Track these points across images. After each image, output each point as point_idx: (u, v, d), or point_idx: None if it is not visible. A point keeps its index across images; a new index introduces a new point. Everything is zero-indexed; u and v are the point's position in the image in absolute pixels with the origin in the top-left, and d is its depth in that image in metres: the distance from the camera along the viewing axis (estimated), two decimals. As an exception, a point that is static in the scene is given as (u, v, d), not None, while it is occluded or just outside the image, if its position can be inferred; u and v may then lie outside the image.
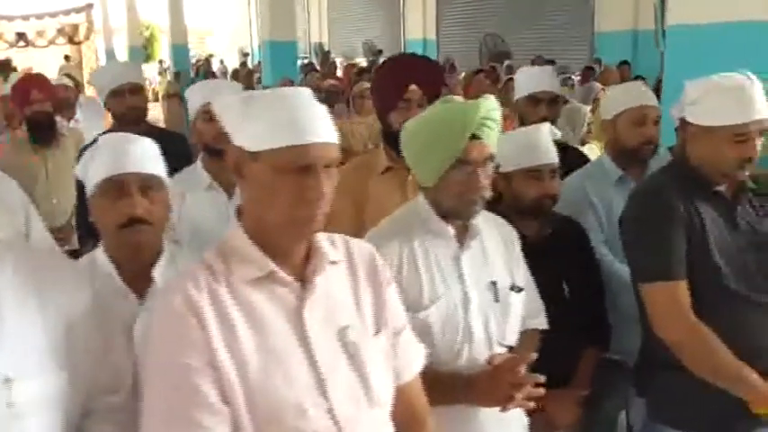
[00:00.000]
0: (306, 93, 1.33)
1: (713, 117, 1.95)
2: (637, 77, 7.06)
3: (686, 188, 2.01)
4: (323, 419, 1.28)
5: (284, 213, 1.27)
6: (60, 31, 23.18)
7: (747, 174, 2.00)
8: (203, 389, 1.21)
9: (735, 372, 1.91)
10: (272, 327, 1.29)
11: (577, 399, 2.17)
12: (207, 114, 2.48)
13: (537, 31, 13.36)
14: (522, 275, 1.95)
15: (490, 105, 1.73)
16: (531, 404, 1.66)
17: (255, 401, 1.24)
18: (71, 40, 23.22)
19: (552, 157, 2.18)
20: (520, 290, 1.89)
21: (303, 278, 1.34)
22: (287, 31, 8.23)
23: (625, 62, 9.25)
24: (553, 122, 2.94)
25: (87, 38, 23.41)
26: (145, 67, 19.64)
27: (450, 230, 1.81)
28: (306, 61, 13.06)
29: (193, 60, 17.53)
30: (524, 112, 2.92)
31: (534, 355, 1.69)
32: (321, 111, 1.31)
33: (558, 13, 13.07)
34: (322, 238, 1.40)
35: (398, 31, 16.92)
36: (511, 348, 1.87)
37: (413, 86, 2.36)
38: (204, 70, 12.23)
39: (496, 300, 1.84)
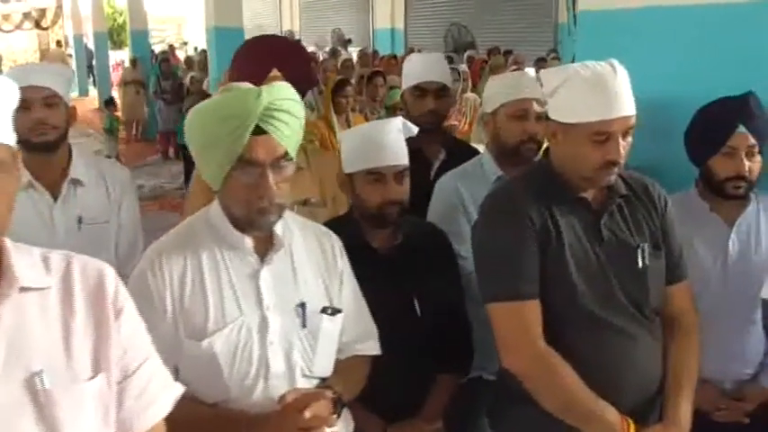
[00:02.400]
0: None
1: (570, 113, 1.68)
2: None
3: (545, 194, 1.74)
4: None
5: None
6: (27, 16, 22.74)
7: (614, 177, 1.72)
8: None
9: (588, 408, 1.66)
10: None
11: None
12: (24, 102, 2.17)
13: (503, 22, 13.12)
14: (347, 295, 1.69)
15: (280, 93, 1.45)
16: None
17: None
18: (38, 25, 22.78)
19: (398, 157, 1.90)
20: (335, 312, 1.61)
21: None
22: (233, 17, 7.88)
23: (553, 50, 8.92)
24: (444, 116, 2.69)
25: (55, 23, 23.00)
26: (116, 54, 19.39)
27: (248, 242, 1.54)
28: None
29: (158, 48, 17.12)
30: (410, 105, 2.65)
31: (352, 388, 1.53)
32: None
33: (524, 2, 12.81)
34: (33, 258, 1.12)
35: (367, 20, 16.63)
36: (324, 380, 1.60)
37: (274, 71, 2.09)
38: (161, 59, 11.83)
39: (304, 325, 1.56)
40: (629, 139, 1.69)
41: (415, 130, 1.98)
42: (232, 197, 1.49)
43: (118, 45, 22.13)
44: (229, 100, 1.44)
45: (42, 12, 22.25)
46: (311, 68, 2.31)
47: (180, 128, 8.16)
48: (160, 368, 1.25)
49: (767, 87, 2.16)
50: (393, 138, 1.89)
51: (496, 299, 1.70)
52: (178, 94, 10.48)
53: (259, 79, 2.07)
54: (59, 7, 22.20)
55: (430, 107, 2.57)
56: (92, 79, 19.80)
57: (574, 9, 3.34)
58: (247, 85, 1.50)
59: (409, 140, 2.62)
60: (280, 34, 19.63)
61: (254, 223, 1.49)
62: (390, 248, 1.95)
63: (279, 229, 1.57)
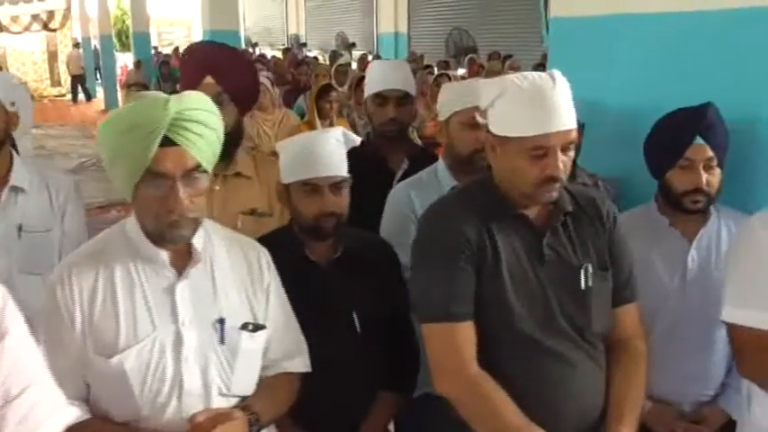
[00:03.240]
0: None
1: (507, 126, 1.61)
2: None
3: (484, 210, 1.66)
4: None
5: None
6: (35, 18, 22.77)
7: (555, 194, 1.65)
8: None
9: None
10: None
11: None
12: None
13: (505, 27, 13.04)
14: (274, 310, 1.63)
15: (191, 102, 1.39)
16: None
17: None
18: (46, 27, 22.81)
19: (335, 168, 1.83)
20: (258, 328, 1.55)
21: None
22: (229, 20, 7.86)
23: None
24: (407, 125, 2.63)
25: (63, 25, 23.05)
26: (125, 56, 19.41)
27: (164, 255, 1.48)
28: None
29: (167, 51, 17.15)
30: (371, 113, 2.59)
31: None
32: None
33: (527, 7, 12.72)
34: None
35: (371, 24, 16.60)
36: (244, 399, 1.54)
37: (207, 78, 2.03)
38: (161, 62, 11.84)
39: (222, 341, 1.50)
40: (571, 153, 1.62)
41: (357, 140, 1.91)
42: (143, 210, 1.43)
43: (127, 47, 22.18)
44: (137, 109, 1.38)
45: (51, 14, 22.28)
46: (255, 81, 2.24)
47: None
48: (49, 392, 1.19)
49: (739, 95, 2.10)
50: (330, 148, 1.82)
51: (429, 319, 1.63)
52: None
53: (192, 87, 2.01)
54: (68, 9, 22.28)
55: (391, 115, 2.51)
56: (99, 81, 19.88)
57: (546, 15, 3.26)
58: (159, 94, 1.44)
59: (372, 150, 2.59)
60: (286, 38, 19.60)
61: (166, 237, 1.43)
62: (329, 262, 1.88)
63: (198, 241, 1.51)
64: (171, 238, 1.43)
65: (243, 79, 2.10)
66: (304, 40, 19.05)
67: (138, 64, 13.03)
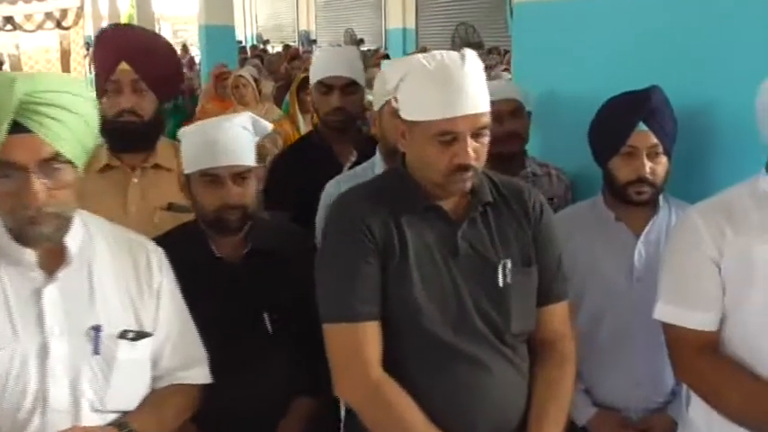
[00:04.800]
0: None
1: (413, 110, 1.48)
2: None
3: (395, 202, 1.53)
4: None
5: None
6: (48, 16, 22.87)
7: (469, 183, 1.51)
8: None
9: None
10: None
11: None
12: None
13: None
14: (166, 316, 1.49)
15: (45, 83, 1.26)
16: None
17: None
18: (59, 25, 22.91)
19: (237, 157, 1.70)
20: (141, 336, 1.43)
21: None
22: (224, 16, 7.78)
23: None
24: (354, 115, 2.50)
25: (76, 23, 23.16)
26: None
27: (30, 256, 1.34)
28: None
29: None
30: (316, 102, 2.46)
31: None
32: None
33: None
34: None
35: (380, 20, 16.47)
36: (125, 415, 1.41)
37: (123, 64, 1.92)
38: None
39: (96, 351, 1.37)
40: (484, 139, 1.49)
41: (269, 128, 1.79)
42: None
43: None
44: None
45: (64, 12, 22.35)
46: (176, 68, 2.12)
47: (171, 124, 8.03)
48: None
49: (697, 81, 1.95)
50: (233, 135, 1.69)
51: (329, 319, 1.50)
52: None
53: (107, 73, 1.91)
54: (81, 8, 22.35)
55: (336, 104, 2.38)
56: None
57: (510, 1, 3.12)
58: (7, 73, 1.32)
59: (319, 141, 2.47)
60: (297, 34, 19.51)
61: (25, 235, 1.30)
62: (238, 258, 1.76)
63: (74, 240, 1.38)
64: (30, 237, 1.30)
65: (162, 66, 1.98)
66: (314, 37, 18.95)
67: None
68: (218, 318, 1.67)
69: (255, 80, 5.75)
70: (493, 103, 2.24)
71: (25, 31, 21.90)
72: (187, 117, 5.83)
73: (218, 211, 1.69)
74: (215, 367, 1.59)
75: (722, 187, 1.65)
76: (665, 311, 1.60)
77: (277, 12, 22.45)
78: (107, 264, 1.43)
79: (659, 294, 1.62)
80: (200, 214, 1.73)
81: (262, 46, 16.96)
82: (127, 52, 1.92)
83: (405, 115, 1.50)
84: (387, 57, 9.08)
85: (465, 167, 1.45)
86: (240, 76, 5.34)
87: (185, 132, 1.74)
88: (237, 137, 1.70)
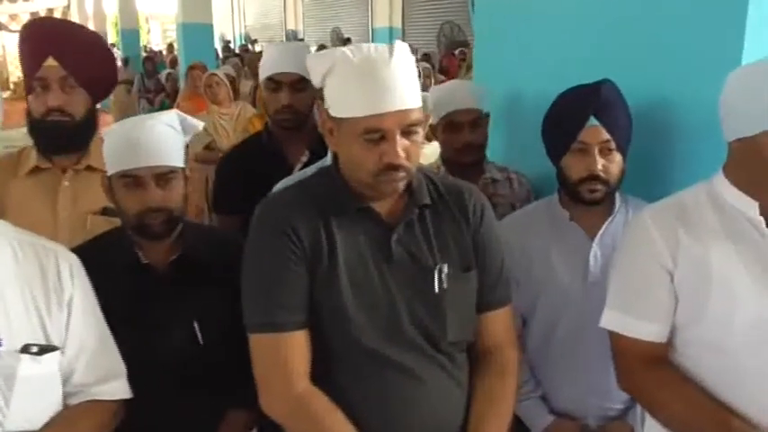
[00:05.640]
0: None
1: (338, 106, 1.39)
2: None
3: (326, 204, 1.44)
4: None
5: None
6: (34, 16, 22.75)
7: (401, 184, 1.42)
8: None
9: None
10: None
11: None
12: None
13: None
14: (78, 327, 1.39)
15: None
16: None
17: None
18: (46, 26, 22.78)
19: (160, 157, 1.60)
20: (46, 350, 1.33)
21: None
22: (201, 14, 7.67)
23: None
24: (305, 113, 2.40)
25: (62, 24, 23.02)
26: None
27: None
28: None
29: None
30: (265, 100, 2.37)
31: None
32: None
33: None
34: None
35: (367, 19, 16.38)
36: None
37: (50, 60, 1.82)
38: (144, 57, 11.68)
39: None
40: (416, 137, 1.39)
41: (199, 125, 1.70)
42: None
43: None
44: None
45: (50, 11, 22.20)
46: (109, 65, 2.02)
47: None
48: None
49: (675, 78, 1.85)
50: (156, 135, 1.59)
51: (254, 329, 1.41)
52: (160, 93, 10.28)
53: (33, 69, 1.81)
54: (67, 7, 22.20)
55: (285, 102, 2.28)
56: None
57: None
58: None
59: (268, 140, 2.37)
60: (284, 33, 19.41)
61: None
62: (166, 264, 1.66)
63: None
64: None
65: (93, 62, 1.88)
66: (302, 36, 18.84)
67: (126, 61, 12.89)
68: (144, 329, 1.58)
69: (234, 79, 5.67)
70: (453, 112, 2.20)
71: (10, 31, 21.79)
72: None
73: (140, 215, 1.59)
74: (138, 381, 1.50)
75: (683, 186, 1.57)
76: (611, 319, 1.52)
77: (265, 11, 22.34)
78: (10, 272, 1.33)
79: (607, 301, 1.54)
80: (123, 218, 1.63)
81: (250, 46, 16.86)
82: (54, 47, 1.82)
83: (332, 112, 1.41)
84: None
85: (395, 167, 1.36)
86: (213, 74, 5.25)
87: (108, 131, 1.64)
88: (162, 136, 1.60)
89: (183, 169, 1.65)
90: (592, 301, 1.76)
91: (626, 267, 1.52)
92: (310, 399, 1.37)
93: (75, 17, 21.68)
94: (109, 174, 1.63)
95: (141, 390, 1.51)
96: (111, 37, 18.62)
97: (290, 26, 20.13)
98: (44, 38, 1.85)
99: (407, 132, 1.36)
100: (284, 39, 19.08)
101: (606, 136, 1.72)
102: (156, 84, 10.77)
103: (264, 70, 2.33)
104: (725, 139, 1.45)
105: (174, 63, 11.79)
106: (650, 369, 1.47)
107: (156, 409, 1.57)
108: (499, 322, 1.54)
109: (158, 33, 28.53)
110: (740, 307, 1.38)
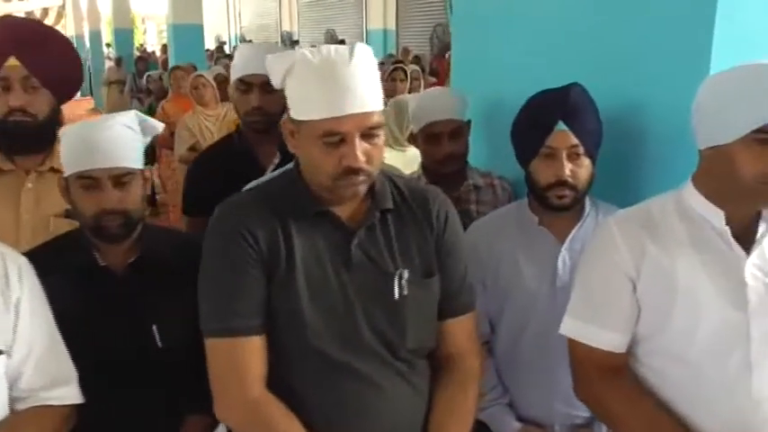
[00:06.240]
0: None
1: (298, 108, 1.37)
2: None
3: (285, 207, 1.42)
4: None
5: None
6: (29, 15, 22.67)
7: (362, 188, 1.40)
8: None
9: None
10: None
11: None
12: None
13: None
14: (27, 330, 1.37)
15: None
16: None
17: None
18: (40, 25, 22.71)
19: (117, 159, 1.57)
20: None
21: None
22: (192, 15, 7.64)
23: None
24: (276, 114, 2.37)
25: (58, 22, 22.91)
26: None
27: None
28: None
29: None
30: (236, 101, 2.35)
31: None
32: None
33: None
34: None
35: (361, 21, 16.36)
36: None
37: (11, 60, 1.79)
38: (136, 57, 11.66)
39: None
40: (377, 140, 1.37)
41: (159, 126, 1.67)
42: None
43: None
44: None
45: (45, 11, 22.15)
46: (74, 66, 1.99)
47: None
48: None
49: (646, 83, 1.83)
50: (113, 135, 1.57)
51: (210, 333, 1.39)
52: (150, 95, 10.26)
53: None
54: (62, 6, 22.14)
55: (255, 103, 2.25)
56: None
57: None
58: None
59: (239, 142, 2.35)
60: (280, 35, 19.38)
61: None
62: (124, 267, 1.64)
63: None
64: None
65: (56, 62, 1.86)
66: (297, 38, 18.83)
67: (118, 61, 12.87)
68: (101, 331, 1.55)
69: (224, 80, 5.63)
70: (433, 123, 2.17)
71: (5, 30, 21.61)
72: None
73: (96, 217, 1.56)
74: (94, 385, 1.48)
75: (654, 191, 1.55)
76: (570, 327, 1.51)
77: (261, 12, 22.32)
78: None
79: (568, 307, 1.52)
80: (80, 220, 1.61)
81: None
82: (16, 46, 1.79)
83: (292, 113, 1.39)
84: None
85: (354, 170, 1.34)
86: (199, 76, 5.23)
87: (65, 132, 1.62)
88: (119, 137, 1.57)
89: (142, 171, 1.62)
90: (559, 306, 1.73)
91: (589, 275, 1.50)
92: (266, 405, 1.35)
93: (70, 17, 21.70)
94: (66, 175, 1.60)
95: (98, 394, 1.49)
96: (107, 37, 18.63)
97: (286, 27, 20.10)
98: (6, 37, 1.82)
99: (368, 135, 1.34)
100: (279, 40, 19.06)
101: (574, 141, 1.71)
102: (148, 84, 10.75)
103: (235, 71, 2.31)
104: (697, 146, 1.44)
105: (165, 64, 11.78)
106: (608, 379, 1.45)
107: (112, 413, 1.55)
108: (461, 330, 1.52)
109: (154, 34, 28.52)
110: (703, 318, 1.36)
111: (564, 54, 2.07)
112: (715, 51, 1.65)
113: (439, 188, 2.15)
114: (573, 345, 1.51)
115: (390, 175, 1.55)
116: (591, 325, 1.46)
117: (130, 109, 6.98)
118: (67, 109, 2.13)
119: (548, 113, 1.71)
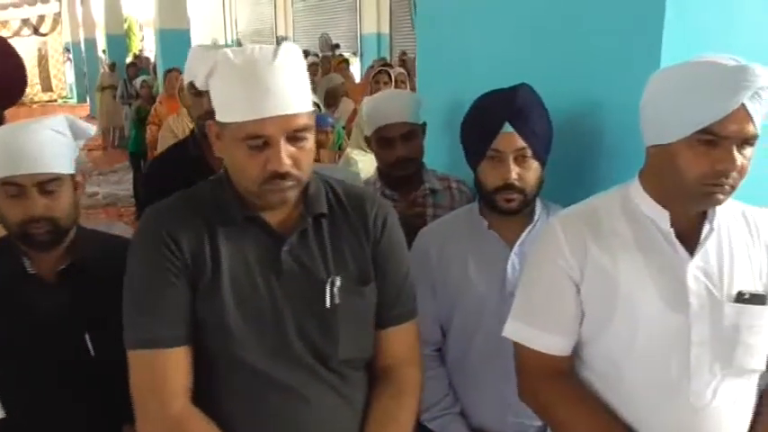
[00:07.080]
0: None
1: (221, 109, 1.33)
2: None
3: (212, 213, 1.37)
4: None
5: None
6: (25, 22, 22.65)
7: (292, 193, 1.35)
8: None
9: None
10: None
11: None
12: None
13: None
14: None
15: None
16: None
17: None
18: (36, 32, 22.67)
19: (43, 165, 1.53)
20: None
21: None
22: (178, 20, 7.61)
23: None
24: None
25: (54, 29, 22.89)
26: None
27: None
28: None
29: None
30: (189, 106, 2.31)
31: None
32: None
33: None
34: None
35: (356, 25, 16.33)
36: None
37: None
38: (128, 63, 11.63)
39: None
40: (305, 144, 1.32)
41: (91, 130, 1.63)
42: None
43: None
44: None
45: (41, 18, 22.13)
46: (16, 72, 1.95)
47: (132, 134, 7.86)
48: None
49: (600, 82, 1.78)
50: (40, 140, 1.52)
51: (131, 345, 1.34)
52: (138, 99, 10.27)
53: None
54: (59, 14, 22.10)
55: (207, 107, 2.19)
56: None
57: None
58: None
59: (194, 147, 2.30)
60: (275, 39, 19.40)
61: None
62: (55, 274, 1.59)
63: None
64: None
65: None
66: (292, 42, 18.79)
67: (112, 66, 12.84)
68: (30, 341, 1.51)
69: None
70: (384, 127, 2.13)
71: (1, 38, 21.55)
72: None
73: (22, 225, 1.52)
74: (26, 395, 1.44)
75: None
76: (513, 329, 1.46)
77: (256, 16, 22.29)
78: None
79: (511, 310, 1.48)
80: (6, 228, 1.56)
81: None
82: None
83: (217, 115, 1.34)
84: (346, 62, 8.93)
85: (280, 175, 1.29)
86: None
87: None
88: (46, 141, 1.53)
89: (72, 176, 1.58)
90: (509, 311, 1.69)
91: (532, 276, 1.46)
92: (187, 421, 1.30)
93: (66, 23, 21.70)
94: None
95: (30, 405, 1.45)
96: (102, 43, 18.59)
97: (281, 32, 20.06)
98: None
99: (294, 139, 1.29)
100: (275, 44, 19.00)
101: (521, 143, 1.66)
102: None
103: (188, 76, 2.26)
104: (645, 142, 1.39)
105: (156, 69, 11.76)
106: (552, 383, 1.41)
107: (45, 424, 1.51)
108: (400, 339, 1.47)
109: (152, 40, 28.47)
110: (643, 322, 1.33)
111: (518, 54, 2.03)
112: (665, 49, 1.61)
113: (395, 192, 2.15)
114: (517, 348, 1.46)
115: (327, 179, 1.50)
116: (533, 328, 1.42)
117: (123, 113, 7.05)
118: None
119: (494, 115, 1.67)
